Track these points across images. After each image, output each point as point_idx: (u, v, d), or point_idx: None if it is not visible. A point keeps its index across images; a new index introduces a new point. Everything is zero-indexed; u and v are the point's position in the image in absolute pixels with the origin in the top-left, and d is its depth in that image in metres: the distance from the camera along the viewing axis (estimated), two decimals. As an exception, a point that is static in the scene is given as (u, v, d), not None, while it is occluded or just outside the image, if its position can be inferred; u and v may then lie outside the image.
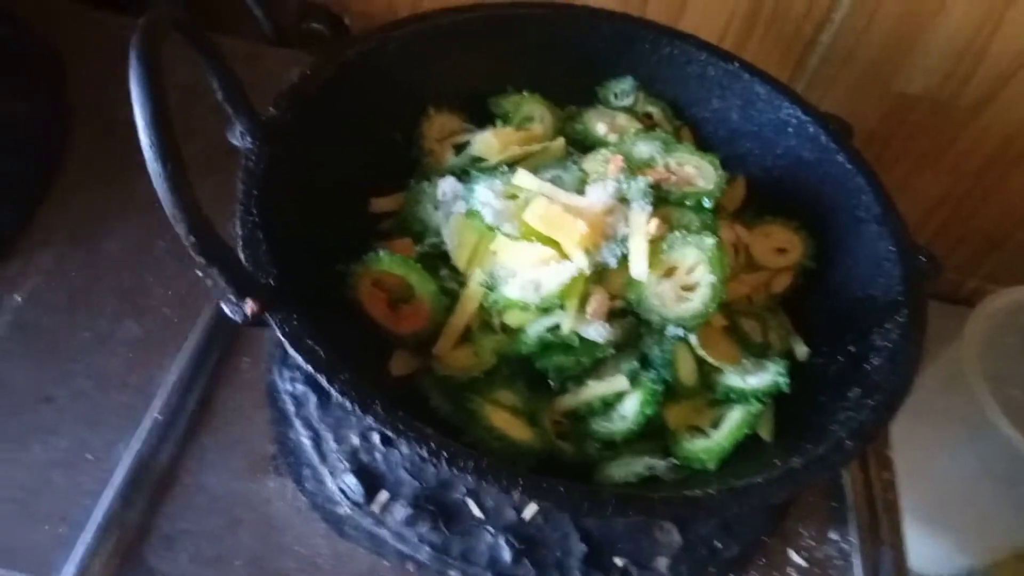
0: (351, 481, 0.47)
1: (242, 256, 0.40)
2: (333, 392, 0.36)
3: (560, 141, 0.53)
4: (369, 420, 0.36)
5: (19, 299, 0.53)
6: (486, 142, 0.51)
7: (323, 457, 0.48)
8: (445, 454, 0.35)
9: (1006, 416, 0.63)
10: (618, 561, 0.47)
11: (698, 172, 0.48)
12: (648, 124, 0.57)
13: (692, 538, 0.48)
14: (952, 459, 0.70)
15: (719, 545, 0.48)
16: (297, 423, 0.49)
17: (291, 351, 0.37)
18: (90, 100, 0.64)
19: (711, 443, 0.43)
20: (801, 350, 0.49)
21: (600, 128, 0.54)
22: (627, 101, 0.58)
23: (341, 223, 0.51)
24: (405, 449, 0.47)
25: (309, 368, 0.37)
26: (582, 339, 0.43)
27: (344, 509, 0.47)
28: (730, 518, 0.49)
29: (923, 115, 0.80)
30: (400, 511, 0.46)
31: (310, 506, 0.47)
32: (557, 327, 0.43)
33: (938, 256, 0.48)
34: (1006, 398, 0.65)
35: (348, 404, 0.36)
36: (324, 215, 0.49)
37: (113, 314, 0.53)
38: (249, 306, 0.37)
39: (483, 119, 0.56)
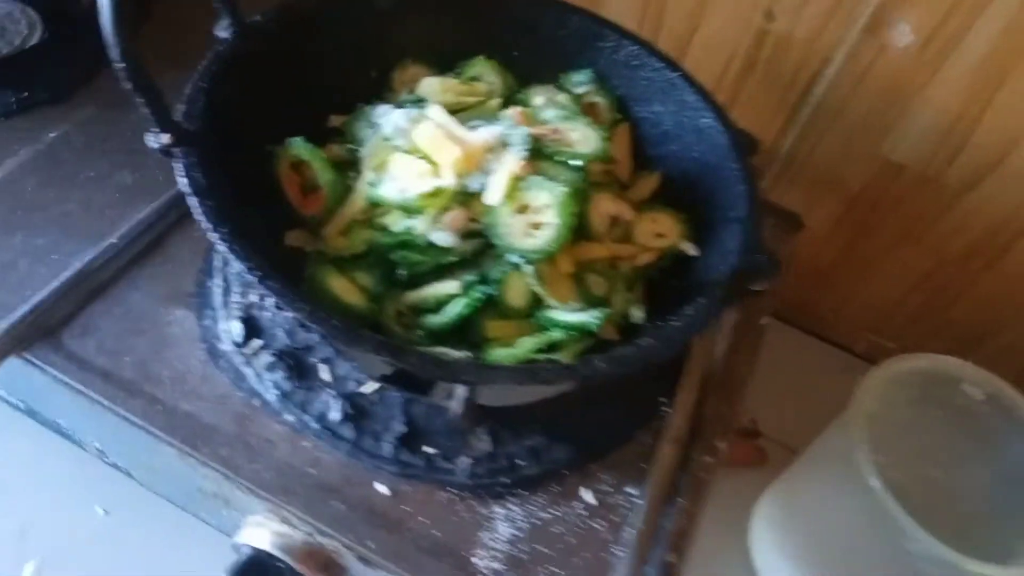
0: (236, 326, 0.56)
1: (183, 106, 0.51)
2: (198, 210, 0.46)
3: (497, 101, 0.61)
4: (215, 239, 0.45)
5: (51, 136, 0.67)
6: (430, 85, 0.60)
7: (225, 303, 0.58)
8: (268, 280, 0.44)
9: (876, 469, 0.64)
10: (428, 449, 0.53)
11: (582, 139, 0.55)
12: (590, 112, 0.64)
13: (499, 450, 0.54)
14: (833, 508, 0.71)
15: (520, 463, 0.54)
16: (217, 274, 0.60)
17: (180, 177, 0.47)
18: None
19: (510, 351, 0.50)
20: (637, 315, 0.55)
21: (537, 100, 0.62)
22: (582, 90, 0.66)
23: (300, 128, 0.61)
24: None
25: (187, 189, 0.46)
26: (432, 244, 0.51)
27: (223, 345, 0.57)
28: (538, 444, 0.54)
29: (908, 186, 0.82)
30: (265, 358, 0.55)
31: (199, 336, 0.57)
32: (415, 228, 0.51)
33: (778, 259, 0.52)
34: (883, 453, 0.67)
35: (204, 222, 0.45)
36: (284, 115, 0.59)
37: (115, 164, 0.66)
38: (164, 138, 0.48)
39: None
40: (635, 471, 0.56)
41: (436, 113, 0.55)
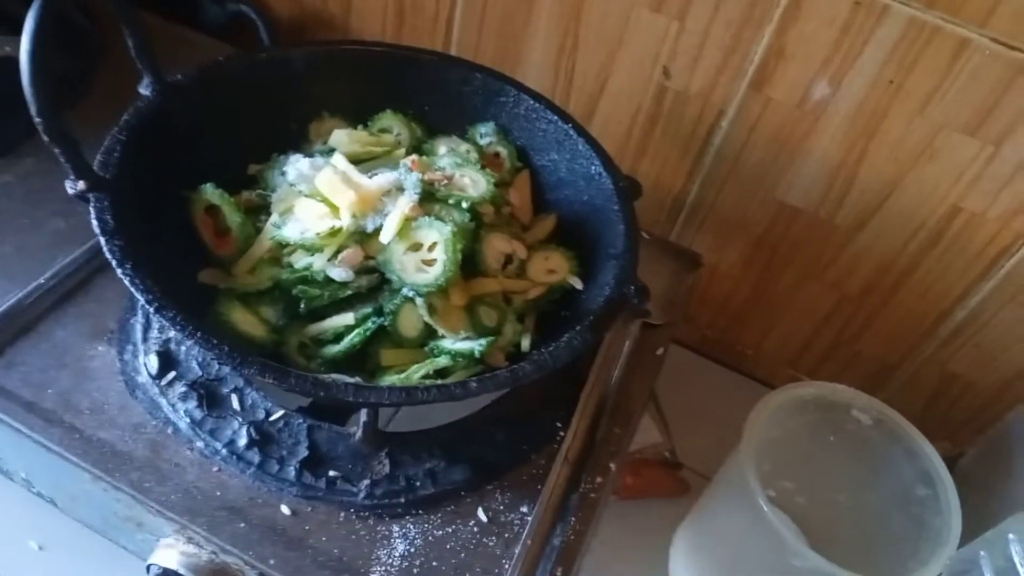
0: (153, 359, 0.60)
1: (98, 156, 0.55)
2: (104, 248, 0.50)
3: (401, 152, 0.66)
4: (120, 274, 0.49)
5: (-3, 182, 0.71)
6: (338, 136, 0.66)
7: (144, 339, 0.62)
8: (164, 309, 0.48)
9: (762, 489, 0.68)
10: (331, 472, 0.57)
11: (472, 184, 0.61)
12: (494, 162, 0.70)
13: (398, 472, 0.58)
14: (733, 525, 0.75)
15: (418, 484, 0.58)
16: (139, 313, 0.64)
17: (92, 219, 0.52)
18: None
19: (400, 377, 0.54)
20: (525, 343, 0.59)
21: (441, 150, 0.68)
22: (487, 140, 0.72)
23: (221, 175, 0.66)
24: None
25: (97, 230, 0.51)
26: (329, 279, 0.56)
27: (141, 378, 0.61)
28: (436, 467, 0.58)
29: (805, 227, 0.88)
30: (179, 388, 0.59)
31: (119, 370, 0.61)
32: (313, 265, 0.56)
33: (646, 291, 0.57)
34: (772, 474, 0.71)
35: (111, 259, 0.50)
36: (204, 164, 0.64)
37: (51, 212, 0.70)
38: (79, 185, 0.52)
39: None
40: (529, 491, 0.60)
41: (338, 161, 0.60)
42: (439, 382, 0.52)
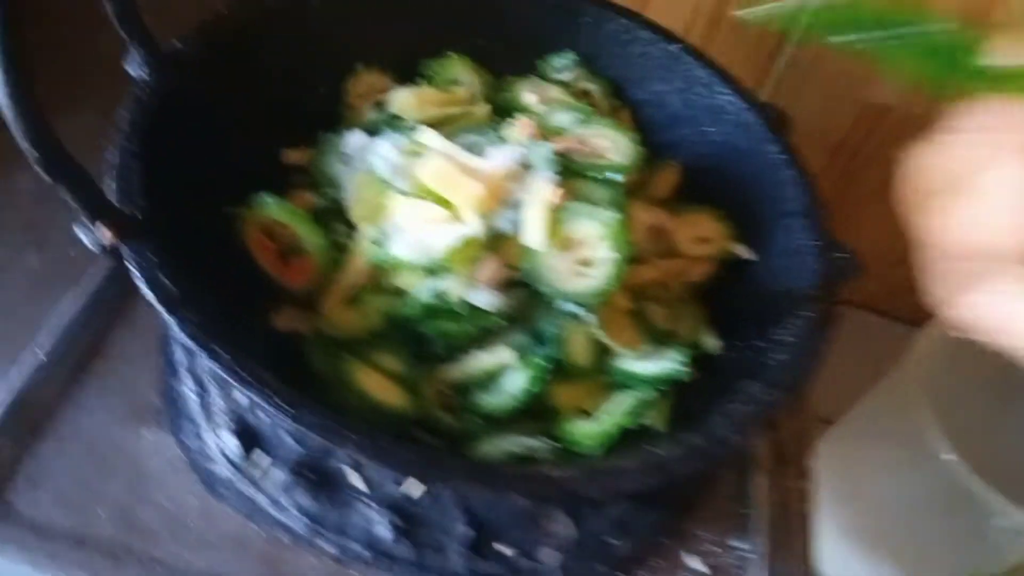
0: (230, 440, 0.45)
1: (114, 185, 0.38)
2: (175, 329, 0.34)
3: (484, 108, 0.51)
4: (208, 361, 0.34)
5: (-81, 227, 0.52)
6: (404, 100, 0.49)
7: (206, 413, 0.46)
8: (314, 422, 0.33)
9: (949, 443, 0.60)
10: (504, 549, 0.44)
11: (613, 146, 0.46)
12: (586, 102, 0.55)
13: (584, 531, 0.46)
14: (895, 482, 0.67)
15: (612, 541, 0.46)
16: (185, 375, 0.48)
17: (138, 283, 0.35)
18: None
19: (596, 427, 0.41)
20: (711, 342, 0.47)
21: (528, 98, 0.52)
22: (566, 76, 0.56)
23: (249, 170, 0.49)
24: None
25: (156, 303, 0.35)
26: (470, 306, 0.41)
27: (220, 468, 0.45)
28: (624, 513, 0.46)
29: (893, 127, 0.78)
30: (277, 475, 0.44)
31: (186, 462, 0.46)
32: (446, 291, 0.41)
33: (858, 254, 0.45)
34: (950, 424, 0.63)
35: (191, 343, 0.34)
36: (228, 160, 0.47)
37: (16, 245, 0.52)
38: (103, 232, 0.36)
39: (415, 82, 0.55)
40: (730, 517, 0.49)
41: (434, 140, 0.44)
42: (699, 443, 0.38)
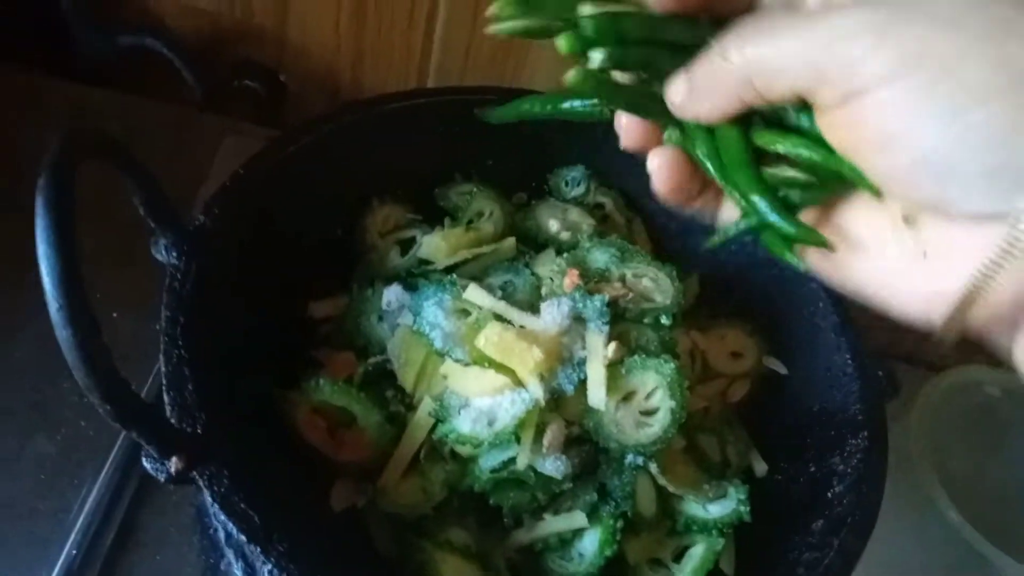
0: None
1: (167, 398, 0.36)
2: (269, 567, 0.33)
3: (511, 242, 0.50)
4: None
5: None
6: (434, 245, 0.48)
7: (257, 590, 0.45)
8: None
9: (951, 500, 0.63)
10: None
11: (655, 285, 0.47)
12: (599, 216, 0.55)
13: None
14: (900, 542, 0.70)
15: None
16: (229, 553, 0.45)
17: (223, 517, 0.34)
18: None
19: (674, 583, 0.41)
20: (760, 467, 0.48)
21: (552, 225, 0.52)
22: (578, 190, 0.56)
23: (275, 331, 0.48)
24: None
25: (243, 538, 0.33)
26: (538, 473, 0.41)
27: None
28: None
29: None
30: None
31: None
32: (512, 460, 0.41)
33: (896, 373, 0.47)
34: (949, 477, 0.65)
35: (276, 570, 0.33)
36: (257, 328, 0.46)
37: (24, 429, 0.48)
38: (174, 465, 0.34)
39: (428, 208, 0.54)
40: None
41: (481, 298, 0.43)
42: None
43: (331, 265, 0.51)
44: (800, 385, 0.50)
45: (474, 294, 0.44)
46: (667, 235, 0.57)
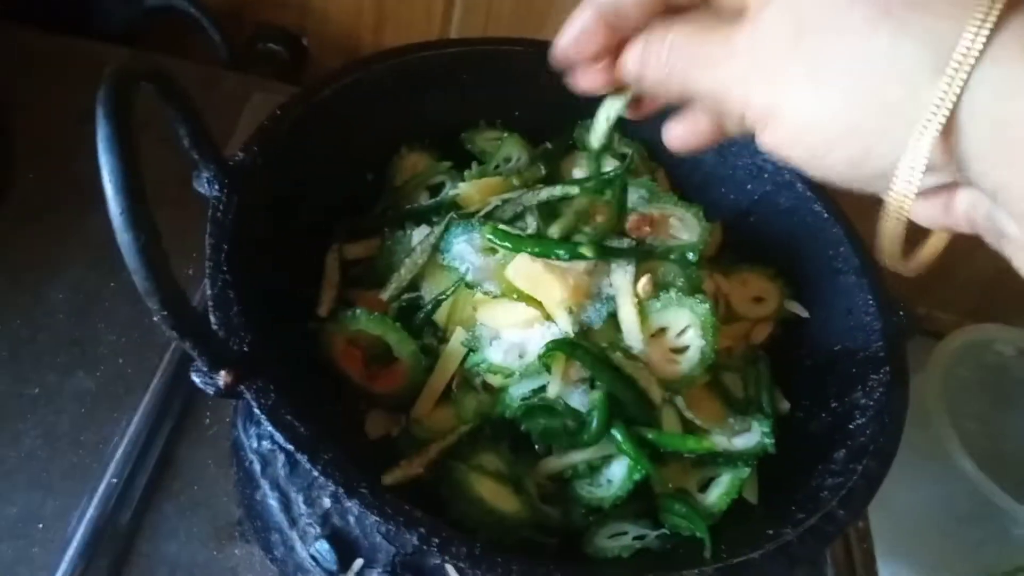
0: (323, 547, 0.45)
1: (213, 320, 0.37)
2: (316, 473, 0.34)
3: (540, 190, 0.51)
4: (354, 504, 0.34)
5: (-43, 350, 0.49)
6: (465, 191, 0.49)
7: (292, 521, 0.46)
8: (436, 540, 0.33)
9: (967, 453, 0.64)
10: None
11: (682, 224, 0.48)
12: (624, 164, 0.56)
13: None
14: (917, 493, 0.71)
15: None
16: (264, 484, 0.47)
17: (271, 428, 0.35)
18: (30, 130, 0.60)
19: (700, 510, 0.42)
20: (783, 405, 0.49)
21: (579, 173, 0.53)
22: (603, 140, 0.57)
23: (311, 269, 0.49)
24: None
25: (290, 447, 0.34)
26: (567, 403, 0.42)
27: (316, 577, 0.45)
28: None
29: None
30: (375, 578, 0.44)
31: (277, 574, 0.45)
32: (542, 388, 0.42)
33: (912, 312, 0.48)
34: (964, 433, 0.66)
35: (332, 487, 0.34)
36: (294, 263, 0.47)
37: (62, 366, 0.50)
38: (223, 378, 0.35)
39: (456, 154, 0.55)
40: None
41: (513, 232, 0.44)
42: (809, 526, 0.39)
43: (363, 209, 0.52)
44: (822, 327, 0.51)
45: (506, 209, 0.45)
46: (689, 185, 0.58)
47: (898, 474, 0.72)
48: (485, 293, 0.43)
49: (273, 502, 0.47)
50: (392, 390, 0.44)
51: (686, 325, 0.43)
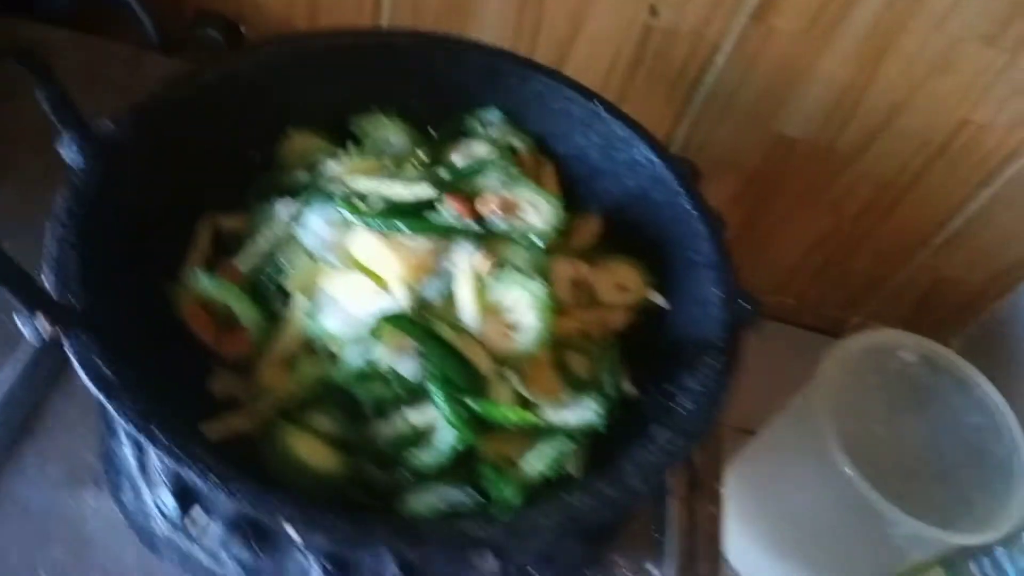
0: (167, 498, 0.47)
1: (48, 274, 0.40)
2: (123, 425, 0.36)
3: (413, 173, 0.53)
4: (163, 457, 0.36)
5: None
6: (335, 168, 0.52)
7: (144, 471, 0.48)
8: (248, 497, 0.36)
9: (849, 457, 0.65)
10: (432, 586, 0.47)
11: (535, 209, 0.49)
12: (513, 158, 0.58)
13: (509, 566, 0.49)
14: (805, 494, 0.72)
15: (534, 573, 0.49)
16: (122, 435, 0.49)
17: (83, 377, 0.37)
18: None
19: (517, 478, 0.44)
20: (629, 389, 0.50)
21: (457, 159, 0.55)
22: (493, 132, 0.59)
23: (184, 239, 0.51)
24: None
25: (101, 397, 0.37)
26: (398, 372, 0.44)
27: (159, 526, 0.47)
28: (549, 548, 0.50)
29: (802, 158, 0.83)
30: (215, 530, 0.46)
31: (125, 522, 0.47)
32: (375, 359, 0.44)
33: (760, 302, 0.49)
34: (851, 438, 0.68)
35: (142, 439, 0.36)
36: (165, 231, 0.49)
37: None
38: (41, 323, 0.37)
39: (347, 139, 0.57)
40: (645, 542, 0.53)
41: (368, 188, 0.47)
42: (607, 491, 0.41)
43: (247, 185, 0.54)
44: (677, 316, 0.53)
45: (360, 183, 0.47)
46: (576, 178, 0.60)
47: (790, 473, 0.73)
48: (329, 265, 0.45)
49: (127, 451, 0.49)
50: (239, 353, 0.46)
51: (522, 304, 0.45)
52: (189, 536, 0.47)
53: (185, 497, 0.47)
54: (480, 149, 0.56)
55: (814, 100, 0.77)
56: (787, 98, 0.77)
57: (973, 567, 0.69)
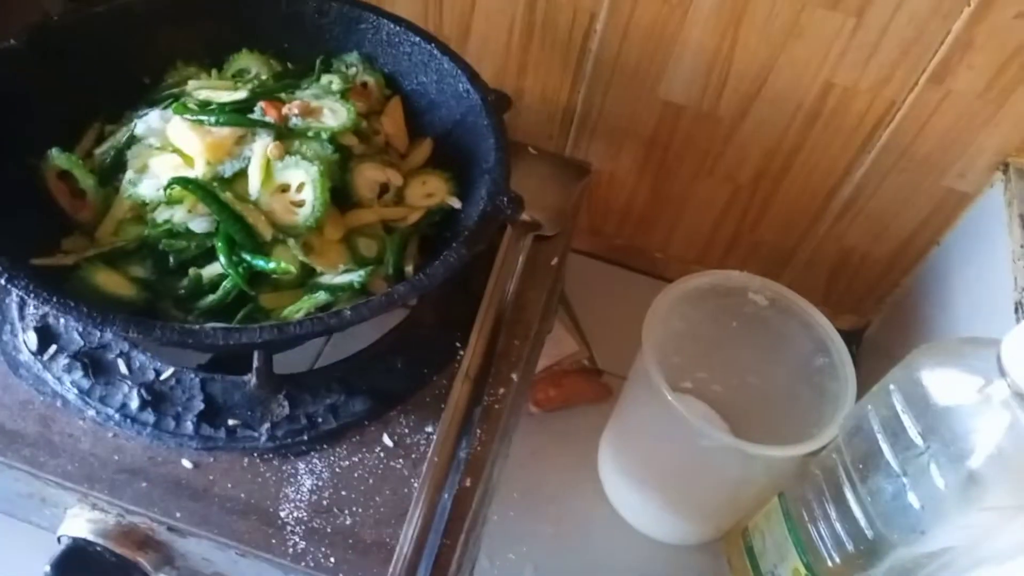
0: (31, 336, 0.59)
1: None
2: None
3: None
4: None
5: None
6: (194, 85, 0.63)
7: (21, 317, 0.61)
8: (31, 289, 0.47)
9: (666, 382, 0.70)
10: (230, 421, 0.57)
11: (332, 114, 0.60)
12: (362, 92, 0.69)
13: (298, 411, 0.58)
14: (643, 421, 0.78)
15: (319, 420, 0.58)
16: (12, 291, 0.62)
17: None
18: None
19: (279, 318, 0.54)
20: (409, 268, 0.60)
21: (305, 87, 0.66)
22: (353, 71, 0.70)
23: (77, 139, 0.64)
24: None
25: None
26: (191, 230, 0.55)
27: (23, 356, 0.59)
28: (337, 401, 0.59)
29: (690, 123, 0.89)
30: (62, 361, 0.58)
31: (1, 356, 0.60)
32: (173, 218, 0.55)
33: (517, 201, 0.57)
34: (684, 369, 0.73)
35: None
36: (56, 128, 0.62)
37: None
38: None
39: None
40: (433, 412, 0.61)
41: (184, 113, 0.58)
42: (313, 315, 0.51)
43: (138, 103, 0.67)
44: (465, 213, 0.62)
45: (201, 93, 0.59)
46: (419, 110, 0.70)
47: (635, 406, 0.79)
48: (149, 145, 0.57)
49: (12, 303, 0.62)
50: (86, 216, 0.58)
51: (302, 182, 0.55)
52: (43, 364, 0.58)
53: (48, 337, 0.59)
54: (327, 79, 0.67)
55: (689, 67, 0.84)
56: (664, 65, 0.84)
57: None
